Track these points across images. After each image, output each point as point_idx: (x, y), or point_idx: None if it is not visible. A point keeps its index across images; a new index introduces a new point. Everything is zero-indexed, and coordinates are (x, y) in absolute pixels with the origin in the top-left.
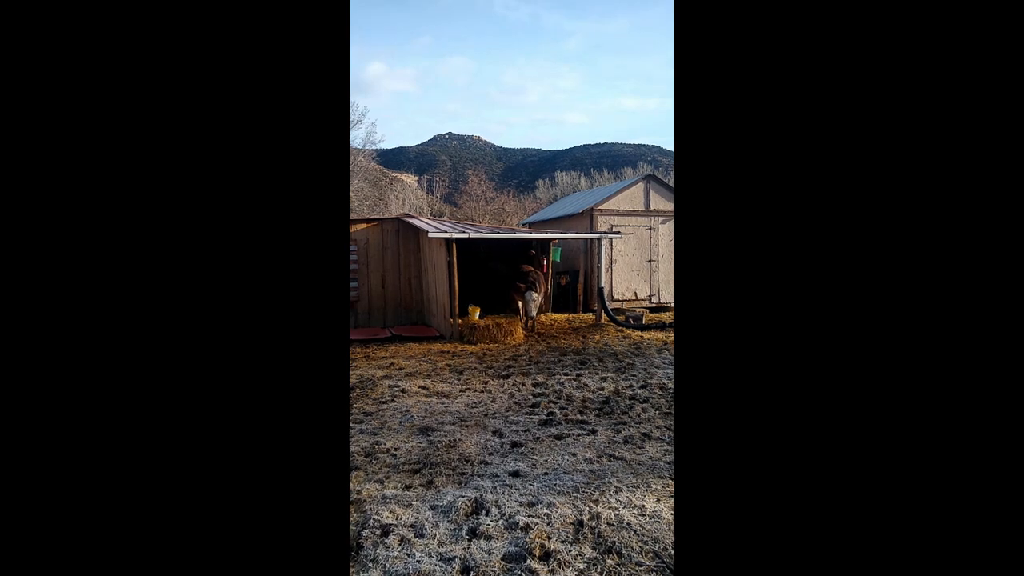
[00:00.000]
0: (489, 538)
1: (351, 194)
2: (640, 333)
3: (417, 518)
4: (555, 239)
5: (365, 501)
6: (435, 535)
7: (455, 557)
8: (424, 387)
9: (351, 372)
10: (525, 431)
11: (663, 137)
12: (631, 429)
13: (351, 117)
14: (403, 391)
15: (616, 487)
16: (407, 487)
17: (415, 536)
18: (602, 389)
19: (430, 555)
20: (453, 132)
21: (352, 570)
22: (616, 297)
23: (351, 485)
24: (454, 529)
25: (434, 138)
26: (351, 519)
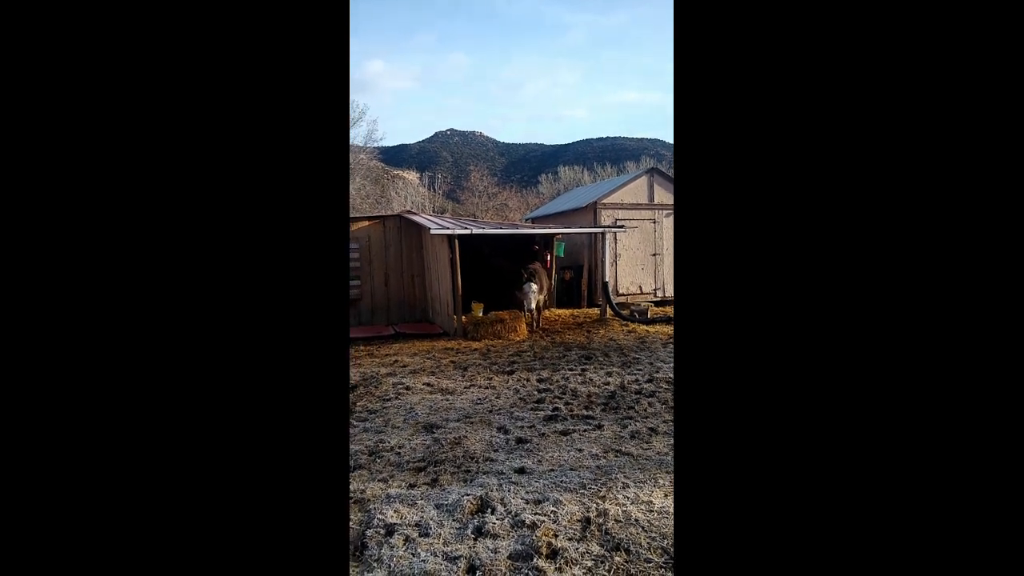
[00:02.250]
0: (495, 536)
1: (352, 192)
2: (645, 327)
3: (422, 517)
4: (559, 234)
5: (369, 500)
6: (440, 534)
7: (461, 556)
8: (428, 384)
9: (355, 370)
10: (530, 427)
11: (666, 131)
12: (637, 424)
13: (351, 115)
14: (407, 388)
15: (623, 483)
16: (411, 485)
17: (420, 535)
18: (607, 384)
19: (435, 554)
20: (455, 128)
21: (356, 570)
22: (621, 291)
23: (354, 484)
24: (459, 528)
25: (435, 135)
26: (355, 519)
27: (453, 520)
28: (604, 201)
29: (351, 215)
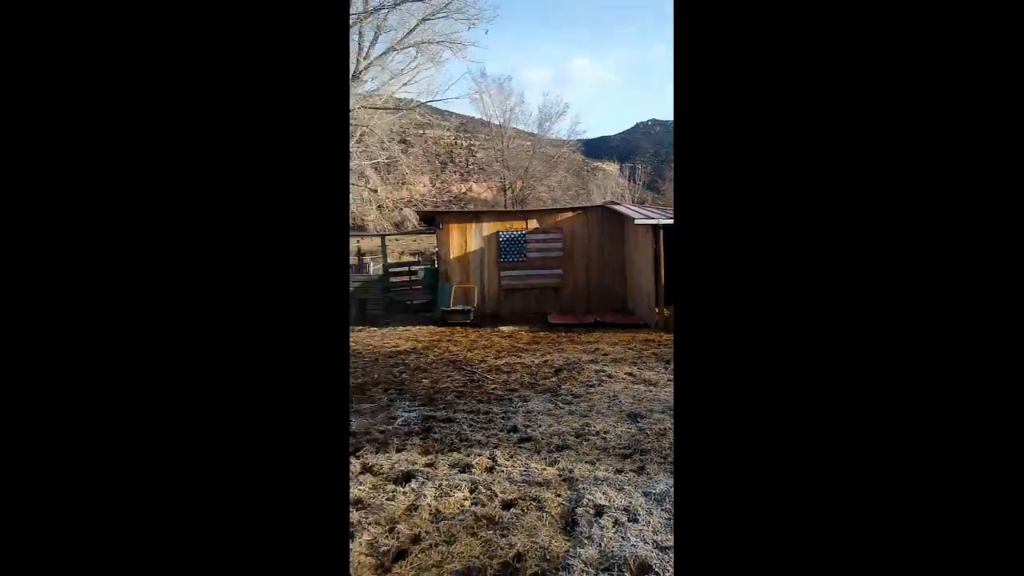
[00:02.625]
0: None
1: (554, 184)
2: None
3: (630, 503)
4: None
5: (578, 480)
6: (649, 522)
7: (671, 547)
8: (630, 374)
9: (557, 354)
10: None
11: None
12: None
13: (555, 110)
14: (609, 376)
15: None
16: (618, 471)
17: (629, 520)
18: None
19: (645, 541)
20: (656, 118)
21: (568, 544)
22: None
23: (562, 463)
24: (668, 519)
25: (636, 125)
26: (564, 496)
27: (662, 510)
28: None
29: (553, 207)
